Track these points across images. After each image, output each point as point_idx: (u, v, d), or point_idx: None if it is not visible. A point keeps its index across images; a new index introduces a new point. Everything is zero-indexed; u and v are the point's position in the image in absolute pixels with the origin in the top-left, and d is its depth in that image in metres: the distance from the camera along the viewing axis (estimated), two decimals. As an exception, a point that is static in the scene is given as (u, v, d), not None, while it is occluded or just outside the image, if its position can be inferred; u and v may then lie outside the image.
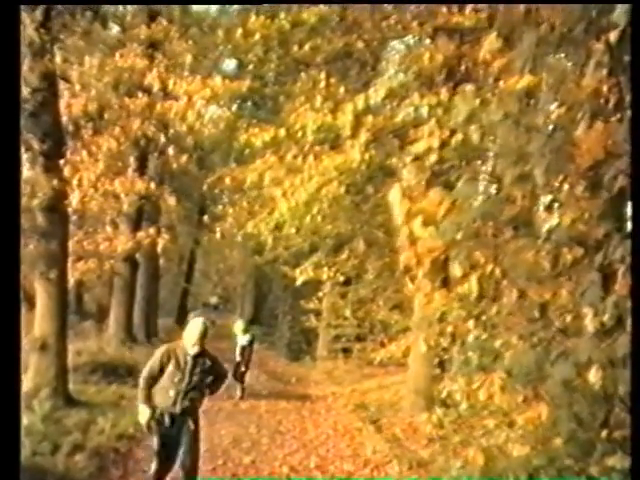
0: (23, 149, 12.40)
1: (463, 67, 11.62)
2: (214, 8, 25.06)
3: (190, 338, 8.16)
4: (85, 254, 18.80)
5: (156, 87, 14.84)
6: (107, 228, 20.77)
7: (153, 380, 8.30)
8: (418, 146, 7.40)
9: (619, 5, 4.63)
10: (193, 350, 8.11)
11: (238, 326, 19.12)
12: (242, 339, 18.55)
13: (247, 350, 18.38)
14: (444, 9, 12.11)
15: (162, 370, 8.21)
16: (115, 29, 22.20)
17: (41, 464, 9.15)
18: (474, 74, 10.65)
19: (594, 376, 4.82)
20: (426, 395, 13.92)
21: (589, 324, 4.85)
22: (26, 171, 13.10)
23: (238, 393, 17.62)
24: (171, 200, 19.25)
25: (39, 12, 12.55)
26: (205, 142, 25.10)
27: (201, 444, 11.76)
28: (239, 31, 13.33)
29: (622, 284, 4.70)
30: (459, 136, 7.37)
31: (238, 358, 18.19)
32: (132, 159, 21.90)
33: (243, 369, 18.16)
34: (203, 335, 8.17)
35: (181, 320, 45.45)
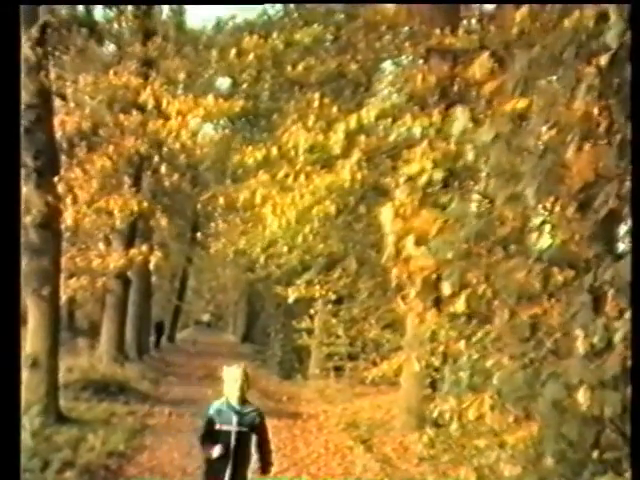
0: (17, 166, 12.42)
1: (456, 88, 11.71)
2: (209, 27, 25.16)
3: None
4: (77, 271, 18.77)
5: (150, 105, 14.87)
6: (100, 245, 20.77)
7: None
8: (411, 168, 7.46)
9: (611, 28, 4.67)
10: None
11: (231, 384, 7.13)
12: (236, 417, 7.06)
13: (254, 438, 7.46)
14: (437, 30, 12.20)
15: None
16: (110, 47, 22.32)
17: (31, 481, 9.13)
18: (467, 95, 10.74)
19: (584, 397, 4.84)
20: (418, 414, 13.91)
21: (580, 346, 4.87)
22: (19, 188, 13.13)
23: None
24: (162, 220, 19.23)
25: (35, 29, 12.58)
26: (198, 160, 25.15)
27: (192, 461, 11.79)
28: (233, 50, 13.42)
29: (612, 306, 4.73)
30: (451, 156, 7.44)
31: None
32: (126, 177, 21.90)
33: None
34: None
35: (173, 338, 45.50)
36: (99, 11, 20.20)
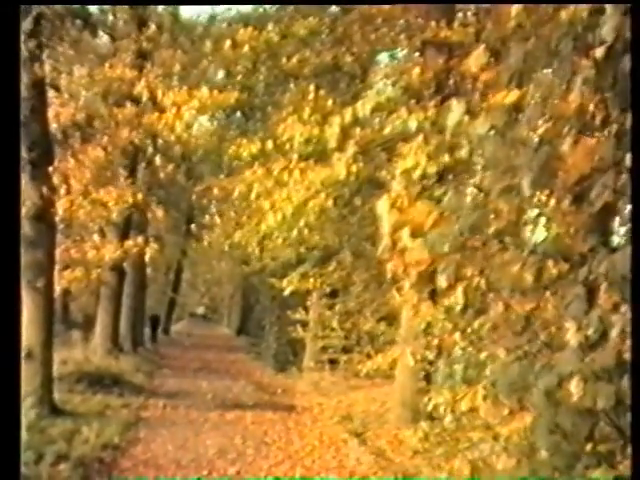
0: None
1: (451, 81, 11.68)
2: (204, 18, 25.08)
3: None
4: (72, 263, 18.70)
5: (145, 97, 14.82)
6: (95, 237, 20.71)
7: None
8: (406, 162, 7.45)
9: (606, 22, 4.67)
10: None
11: None
12: None
13: None
14: (433, 23, 12.18)
15: None
16: (105, 38, 22.23)
17: (25, 473, 9.08)
18: (462, 88, 10.71)
19: (578, 389, 4.84)
20: (412, 408, 13.91)
21: (572, 337, 4.88)
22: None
23: None
24: (159, 212, 19.20)
25: (29, 21, 12.53)
26: (193, 152, 25.10)
27: (186, 454, 11.80)
28: (227, 42, 13.37)
29: (605, 298, 4.73)
30: (447, 149, 7.43)
31: None
32: (120, 169, 21.84)
33: None
34: None
35: (168, 330, 45.50)
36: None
